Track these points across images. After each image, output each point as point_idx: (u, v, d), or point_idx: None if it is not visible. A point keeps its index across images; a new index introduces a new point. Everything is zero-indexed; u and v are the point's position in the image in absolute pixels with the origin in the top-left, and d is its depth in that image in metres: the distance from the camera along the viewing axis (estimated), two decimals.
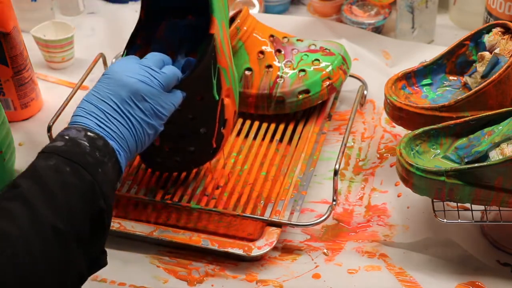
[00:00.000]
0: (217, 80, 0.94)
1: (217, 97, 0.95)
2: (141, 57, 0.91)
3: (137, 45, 0.96)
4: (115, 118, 0.81)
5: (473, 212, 0.95)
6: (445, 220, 0.94)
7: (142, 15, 0.95)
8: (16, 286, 0.66)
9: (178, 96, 0.89)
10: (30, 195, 0.71)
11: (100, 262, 0.79)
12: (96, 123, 0.80)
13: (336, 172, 0.97)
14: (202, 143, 0.99)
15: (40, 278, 0.69)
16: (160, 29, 0.98)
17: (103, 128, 0.80)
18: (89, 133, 0.79)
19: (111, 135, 0.80)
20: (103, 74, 0.85)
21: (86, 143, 0.77)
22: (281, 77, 1.11)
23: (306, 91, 1.12)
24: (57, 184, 0.73)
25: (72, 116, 0.82)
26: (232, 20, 1.15)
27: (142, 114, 0.83)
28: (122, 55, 0.96)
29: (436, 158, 0.95)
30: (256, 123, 1.14)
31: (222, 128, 0.98)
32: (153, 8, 0.96)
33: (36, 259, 0.68)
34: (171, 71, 0.88)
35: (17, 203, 0.71)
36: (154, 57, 0.88)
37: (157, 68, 0.86)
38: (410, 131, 0.96)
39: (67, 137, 0.78)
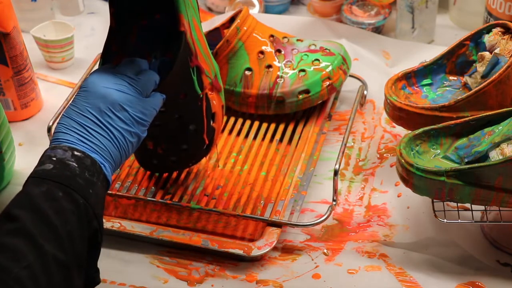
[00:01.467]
0: (197, 75, 0.94)
1: (199, 91, 0.95)
2: (117, 64, 0.90)
3: (112, 52, 0.96)
4: (96, 131, 0.81)
5: (473, 212, 0.95)
6: (445, 220, 0.94)
7: (112, 23, 0.95)
8: None
9: (158, 99, 0.88)
10: (31, 230, 0.71)
11: (95, 280, 0.79)
12: (78, 138, 0.80)
13: (336, 172, 0.97)
14: (194, 139, 0.99)
15: None
16: (133, 33, 0.97)
17: (85, 143, 0.80)
18: (75, 153, 0.78)
19: (94, 148, 0.80)
20: (80, 87, 0.84)
21: (74, 164, 0.77)
22: (281, 77, 1.11)
23: (306, 91, 1.12)
24: (55, 214, 0.73)
25: (54, 132, 0.82)
26: (232, 20, 1.16)
27: (122, 123, 0.82)
28: (99, 64, 0.95)
29: (436, 158, 0.95)
30: (256, 123, 1.14)
31: (212, 122, 0.98)
32: (122, 14, 0.95)
33: None
34: (147, 76, 0.87)
35: (20, 239, 0.70)
36: (129, 63, 0.87)
37: (133, 75, 0.86)
38: (410, 131, 0.96)
39: (54, 158, 0.78)
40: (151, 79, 0.87)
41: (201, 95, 0.95)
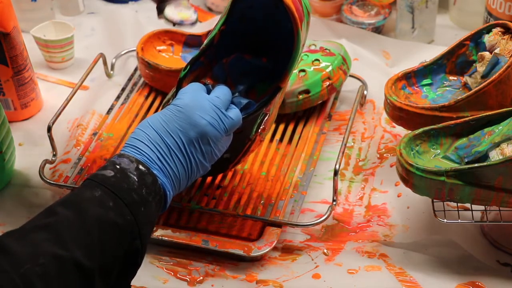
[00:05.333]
0: (261, 120, 0.95)
1: (253, 133, 0.95)
2: (200, 74, 0.90)
3: (199, 62, 0.96)
4: (177, 156, 0.81)
5: (473, 212, 0.95)
6: (445, 220, 0.94)
7: (216, 38, 0.95)
8: None
9: (231, 139, 0.89)
10: (63, 227, 0.70)
11: None
12: (157, 156, 0.80)
13: (336, 172, 0.97)
14: (221, 164, 0.99)
15: None
16: (229, 57, 0.97)
17: (163, 164, 0.80)
18: (140, 167, 0.78)
19: (168, 172, 0.80)
20: (174, 103, 0.84)
21: (135, 177, 0.76)
22: None
23: (306, 91, 1.12)
24: (96, 220, 0.72)
25: (132, 136, 0.81)
26: None
27: (202, 156, 0.83)
28: (184, 71, 0.94)
29: (436, 158, 0.95)
30: None
31: (243, 156, 0.99)
32: (230, 36, 0.96)
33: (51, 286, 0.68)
34: (237, 117, 0.87)
35: (47, 234, 0.69)
36: (223, 97, 0.87)
37: (225, 110, 0.86)
38: (410, 131, 0.96)
39: (118, 166, 0.77)
40: (239, 122, 0.88)
41: (253, 136, 0.96)
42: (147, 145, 0.80)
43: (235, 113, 0.87)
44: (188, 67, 0.94)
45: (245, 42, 0.98)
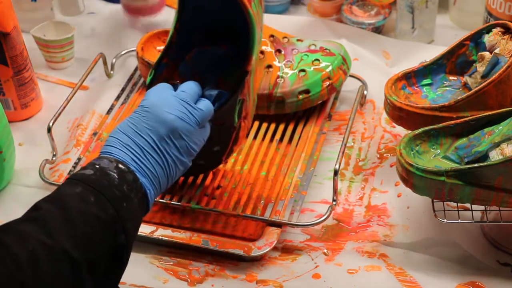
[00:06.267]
0: (240, 107, 0.95)
1: (236, 121, 0.96)
2: (167, 76, 0.90)
3: (163, 63, 0.96)
4: (150, 155, 0.81)
5: (473, 212, 0.95)
6: (445, 220, 0.94)
7: (174, 37, 0.95)
8: None
9: (207, 130, 0.89)
10: (49, 220, 0.71)
11: None
12: (131, 157, 0.80)
13: (336, 172, 0.97)
14: (213, 158, 0.99)
15: None
16: (191, 52, 0.98)
17: (138, 164, 0.80)
18: (120, 165, 0.78)
19: (145, 172, 0.80)
20: (140, 105, 0.84)
21: (115, 175, 0.77)
22: (281, 77, 1.11)
23: (306, 91, 1.12)
24: (79, 213, 0.72)
25: (105, 145, 0.81)
26: None
27: (177, 152, 0.83)
28: (150, 75, 0.95)
29: (436, 158, 0.95)
30: (256, 123, 1.14)
31: (234, 146, 0.99)
32: (186, 32, 0.96)
33: (43, 285, 0.67)
34: (207, 108, 0.87)
35: (34, 226, 0.70)
36: (190, 91, 0.87)
37: (193, 103, 0.86)
38: (410, 131, 0.96)
39: (97, 166, 0.77)
40: (210, 112, 0.87)
41: (236, 123, 0.96)
42: (119, 149, 0.80)
43: (204, 104, 0.87)
44: (153, 71, 0.94)
45: (203, 35, 0.98)
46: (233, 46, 0.98)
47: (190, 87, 0.88)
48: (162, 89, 0.86)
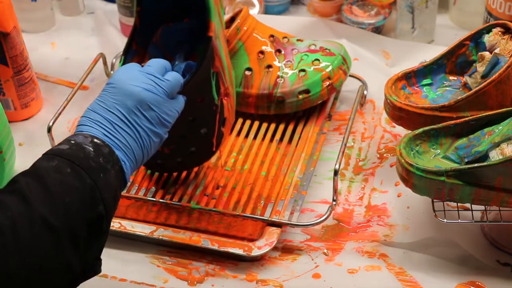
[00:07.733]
0: (216, 81, 0.95)
1: (216, 97, 0.95)
2: (138, 62, 0.90)
3: (133, 50, 0.97)
4: (121, 128, 0.81)
5: (473, 212, 0.95)
6: (445, 220, 0.94)
7: (137, 22, 0.96)
8: (2, 276, 0.67)
9: (181, 102, 0.89)
10: (26, 190, 0.71)
11: (94, 268, 0.78)
12: (102, 133, 0.80)
13: (336, 172, 0.97)
14: (203, 143, 0.99)
15: (29, 270, 0.68)
16: (156, 33, 0.98)
17: (110, 138, 0.80)
18: (95, 140, 0.78)
19: (118, 145, 0.80)
20: (107, 84, 0.85)
21: (91, 148, 0.77)
22: (281, 77, 1.11)
23: (306, 91, 1.12)
24: (56, 183, 0.73)
25: (78, 125, 0.82)
26: (232, 20, 1.16)
27: (148, 123, 0.83)
28: (120, 62, 0.97)
29: (436, 158, 0.95)
30: (256, 123, 1.14)
31: (221, 127, 0.99)
32: (148, 14, 0.96)
33: (24, 249, 0.68)
34: (175, 78, 0.87)
35: (12, 196, 0.71)
36: (156, 64, 0.88)
37: (161, 75, 0.86)
38: (410, 131, 0.96)
39: (73, 141, 0.78)
40: (178, 82, 0.87)
41: (217, 101, 0.96)
42: (90, 126, 0.80)
43: (171, 75, 0.87)
44: (123, 58, 0.94)
45: (166, 15, 0.98)
46: (194, 17, 0.99)
47: (156, 61, 0.88)
48: (128, 66, 0.87)
